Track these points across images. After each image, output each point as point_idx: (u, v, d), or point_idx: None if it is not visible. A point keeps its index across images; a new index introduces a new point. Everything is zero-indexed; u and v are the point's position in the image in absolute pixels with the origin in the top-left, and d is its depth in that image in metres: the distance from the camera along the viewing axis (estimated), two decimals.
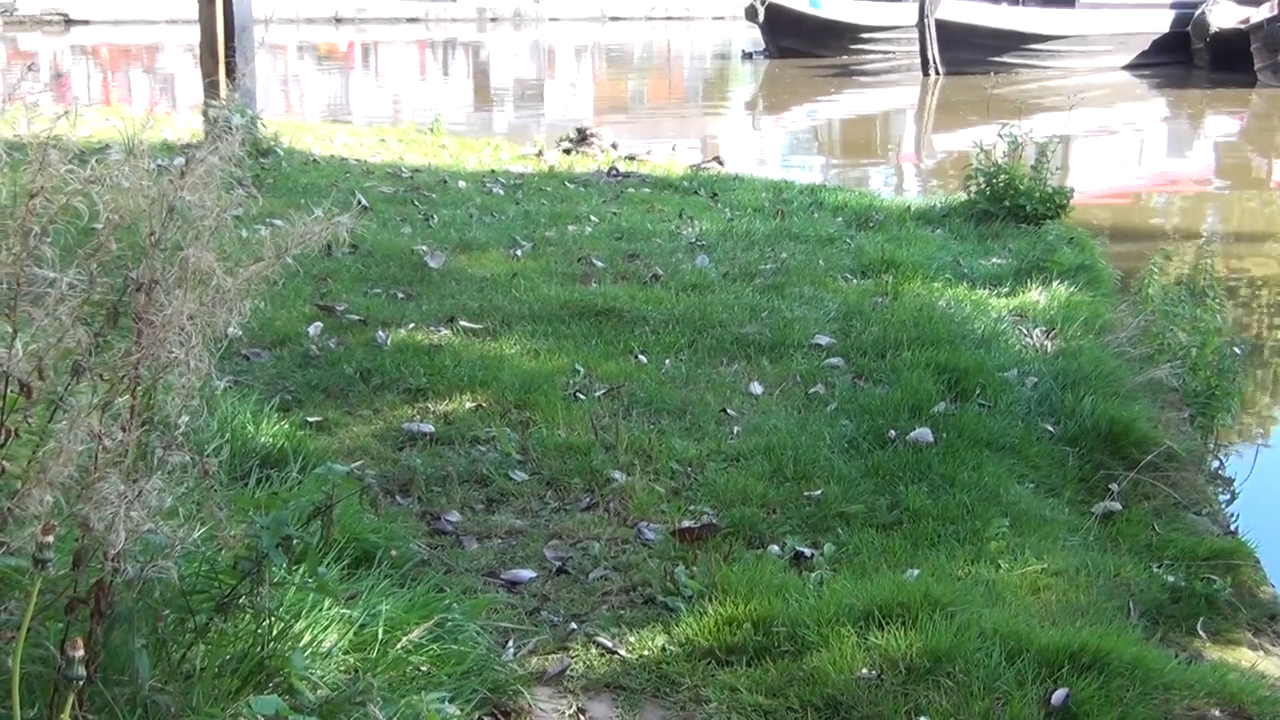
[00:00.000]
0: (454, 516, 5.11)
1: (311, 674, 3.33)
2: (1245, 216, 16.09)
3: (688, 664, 4.13)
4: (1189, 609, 4.83)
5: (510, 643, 4.20)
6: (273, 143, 13.05)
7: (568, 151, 15.39)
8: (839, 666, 4.00)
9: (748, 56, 38.93)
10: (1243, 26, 30.19)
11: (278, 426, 5.38)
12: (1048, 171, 11.13)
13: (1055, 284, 8.75)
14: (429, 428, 5.88)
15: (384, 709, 3.27)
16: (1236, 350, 7.66)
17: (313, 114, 23.73)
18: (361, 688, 3.33)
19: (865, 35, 36.40)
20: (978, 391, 6.54)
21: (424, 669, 3.65)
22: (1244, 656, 4.61)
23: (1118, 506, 5.67)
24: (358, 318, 7.35)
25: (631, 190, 12.39)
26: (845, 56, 35.53)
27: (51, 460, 2.68)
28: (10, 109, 2.90)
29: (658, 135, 20.83)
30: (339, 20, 49.87)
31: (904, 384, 6.51)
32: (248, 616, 3.27)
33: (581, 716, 3.90)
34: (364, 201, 10.42)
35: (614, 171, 13.59)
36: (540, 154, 14.92)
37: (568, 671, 4.09)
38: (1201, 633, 4.72)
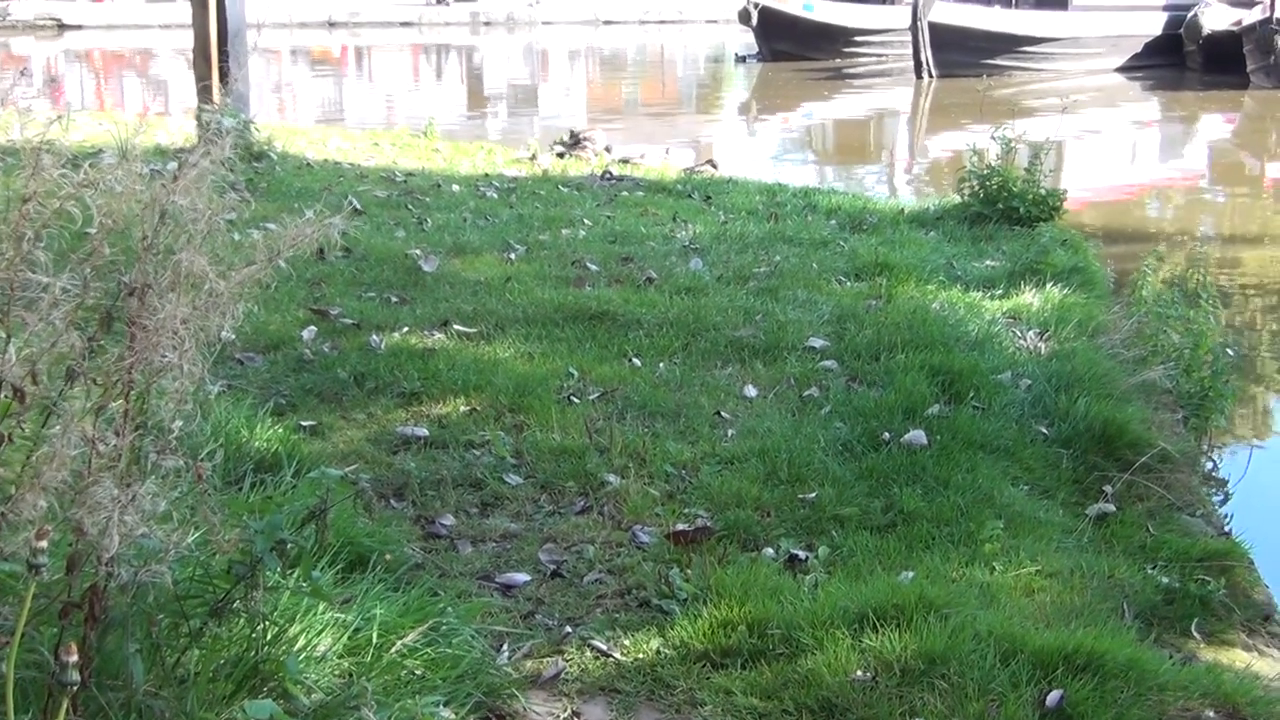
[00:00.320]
0: (448, 520, 5.11)
1: (306, 678, 3.33)
2: (1238, 218, 16.11)
3: (682, 667, 4.13)
4: (1183, 610, 4.83)
5: (505, 646, 4.20)
6: (266, 147, 13.04)
7: (561, 155, 15.38)
8: (834, 669, 4.01)
9: (741, 60, 38.95)
10: (1235, 29, 30.24)
11: (272, 431, 5.38)
12: (1041, 174, 11.12)
13: (1049, 286, 8.76)
14: (423, 431, 5.88)
15: (378, 713, 3.27)
16: (1230, 351, 7.68)
17: (306, 118, 23.72)
18: (356, 692, 3.33)
19: (858, 38, 36.40)
20: (971, 394, 6.55)
21: (418, 673, 3.65)
22: (1238, 657, 4.62)
23: (1112, 508, 5.67)
24: (351, 322, 7.34)
25: (625, 194, 12.39)
26: (838, 59, 35.53)
27: (45, 465, 2.68)
28: (3, 114, 2.90)
29: (651, 139, 20.82)
30: (332, 24, 49.84)
31: (898, 386, 6.52)
32: (242, 621, 3.26)
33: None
34: (357, 205, 10.41)
35: (608, 175, 13.59)
36: (534, 157, 14.91)
37: (562, 675, 4.09)
38: (1196, 634, 4.73)
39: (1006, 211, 10.91)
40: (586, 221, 10.62)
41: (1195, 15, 31.84)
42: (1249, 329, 10.54)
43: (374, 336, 7.04)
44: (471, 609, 4.17)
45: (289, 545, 3.23)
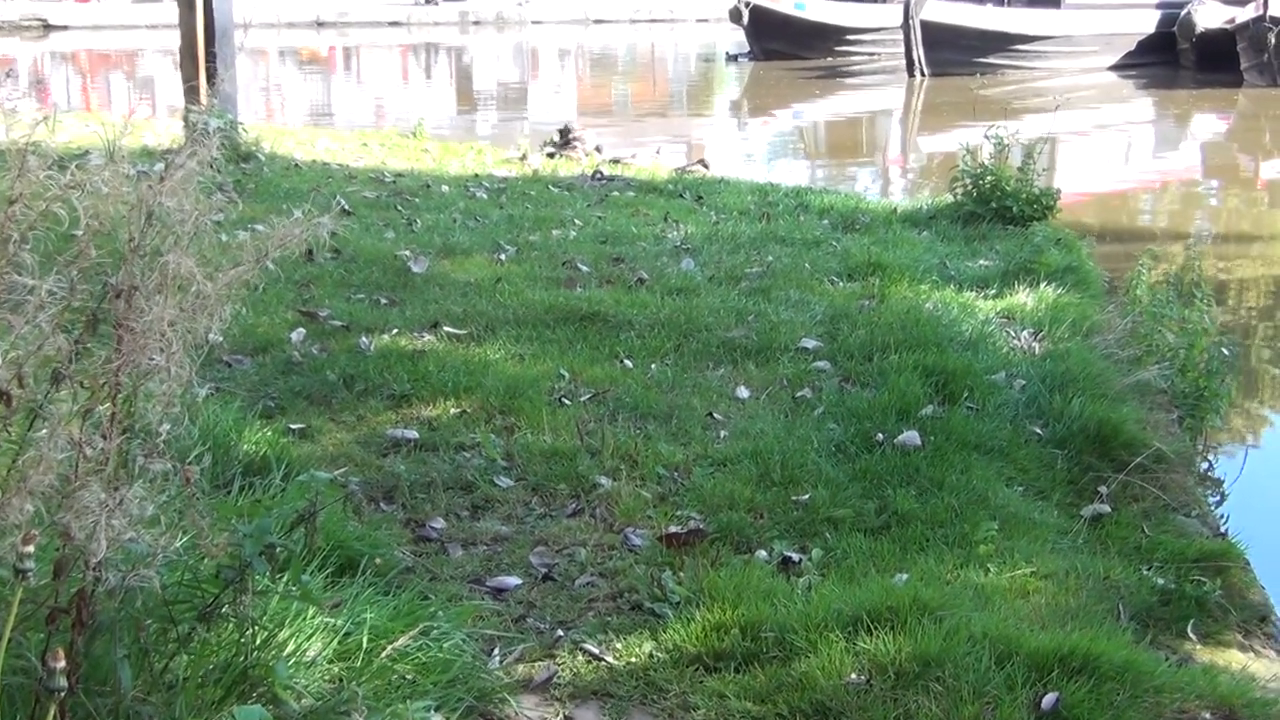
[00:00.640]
0: (439, 523, 5.11)
1: (295, 683, 3.33)
2: (1232, 216, 16.14)
3: (675, 671, 4.13)
4: (1179, 611, 4.83)
5: (496, 650, 4.20)
6: (253, 147, 13.03)
7: (552, 155, 15.38)
8: (827, 672, 4.00)
9: (732, 59, 38.94)
10: (1228, 26, 30.24)
11: (260, 434, 5.37)
12: (1034, 173, 11.13)
13: (1043, 285, 8.76)
14: (413, 434, 5.87)
15: (369, 718, 3.27)
16: (1225, 351, 7.68)
17: (294, 119, 23.70)
18: (346, 697, 3.33)
19: (850, 37, 36.41)
20: (965, 394, 6.55)
21: (409, 677, 3.64)
22: (1234, 659, 4.62)
23: (1107, 509, 5.68)
24: (340, 323, 7.34)
25: (616, 194, 12.39)
26: (830, 58, 35.54)
27: (32, 469, 2.67)
28: None
29: (642, 138, 20.83)
30: (320, 24, 49.81)
31: (891, 387, 6.51)
32: (231, 625, 3.26)
33: None
34: (346, 206, 10.41)
35: (598, 175, 13.58)
36: (524, 158, 14.91)
37: (554, 679, 4.09)
38: (1192, 635, 4.73)
39: (1000, 211, 10.91)
40: (577, 222, 10.61)
41: (1188, 13, 31.85)
42: (1244, 328, 10.55)
43: (363, 338, 7.03)
44: (462, 613, 4.17)
45: (278, 549, 3.23)
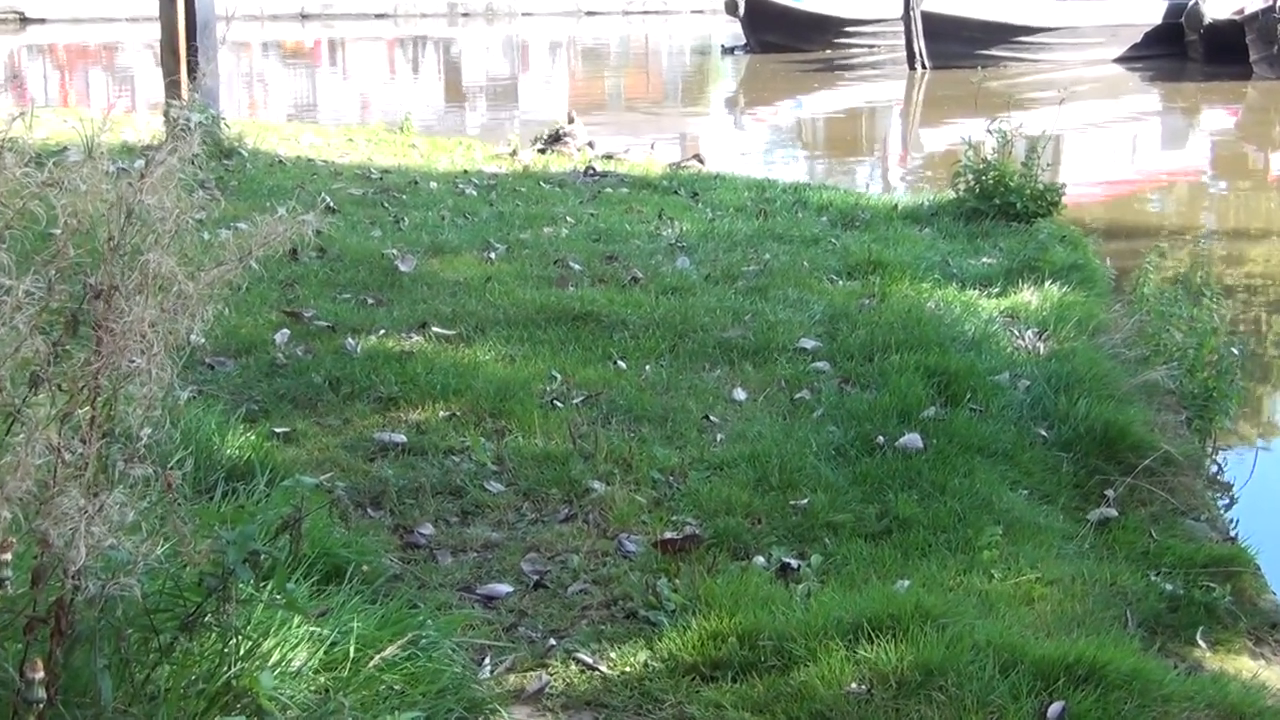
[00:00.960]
0: (427, 529, 5.11)
1: (281, 694, 3.32)
2: (1242, 212, 16.16)
3: (671, 680, 4.13)
4: (1188, 618, 4.84)
5: (487, 660, 4.20)
6: (236, 143, 13.02)
7: (543, 151, 15.38)
8: (827, 681, 4.01)
9: (728, 51, 38.93)
10: (1237, 18, 30.25)
11: (244, 438, 5.37)
12: (1038, 168, 11.13)
13: (1047, 284, 8.76)
14: (401, 438, 5.87)
15: None
16: (1234, 351, 7.68)
17: (278, 113, 23.69)
18: (333, 708, 3.33)
19: (849, 29, 36.39)
20: (968, 395, 6.55)
21: (397, 688, 3.64)
22: (1245, 666, 4.63)
23: (1114, 513, 5.69)
24: (326, 324, 7.33)
25: (609, 190, 12.39)
26: (829, 51, 35.53)
27: (8, 474, 2.67)
28: None
29: (636, 133, 20.82)
30: (305, 16, 49.78)
31: (892, 388, 6.52)
32: (214, 635, 3.25)
33: None
34: (331, 203, 10.40)
35: (591, 171, 13.58)
36: (514, 153, 14.90)
37: (547, 689, 4.09)
38: (1201, 642, 4.74)
39: (1003, 207, 10.92)
40: (569, 219, 10.61)
41: (1196, 4, 31.85)
42: (1254, 327, 10.56)
43: (350, 339, 7.03)
44: (452, 621, 4.17)
45: (262, 556, 3.22)
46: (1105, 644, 4.29)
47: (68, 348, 2.87)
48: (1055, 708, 3.94)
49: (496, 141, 16.27)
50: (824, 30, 36.17)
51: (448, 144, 16.00)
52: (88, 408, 2.86)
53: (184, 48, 12.75)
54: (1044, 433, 6.35)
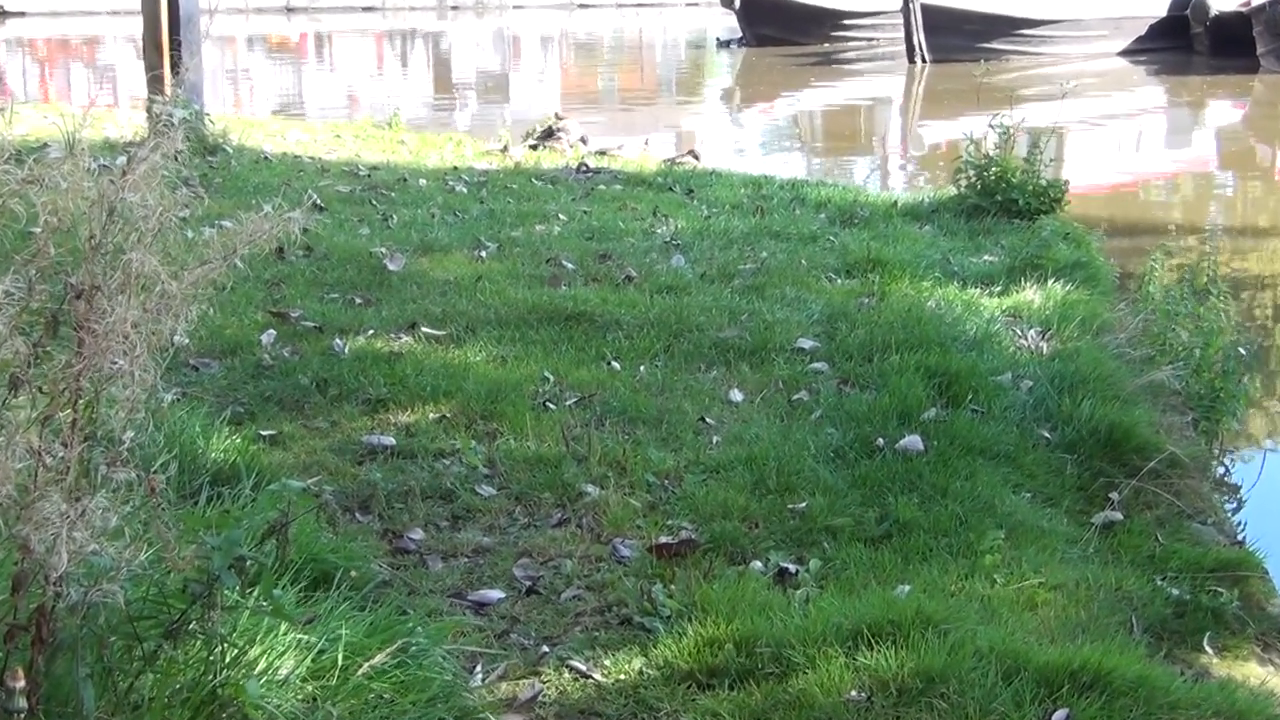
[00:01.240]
0: (417, 534, 5.10)
1: (267, 703, 3.32)
2: (1249, 209, 16.18)
3: (666, 688, 4.13)
4: (1195, 623, 4.84)
5: (478, 668, 4.20)
6: (221, 140, 13.02)
7: (534, 147, 15.38)
8: (826, 689, 4.01)
9: (724, 45, 38.97)
10: (1244, 10, 30.29)
11: (229, 441, 5.36)
12: (1041, 164, 11.14)
13: (1050, 282, 8.77)
14: (390, 440, 5.87)
15: None
16: (1242, 350, 7.70)
17: (263, 109, 23.69)
18: (321, 717, 3.32)
19: (847, 21, 36.43)
20: (970, 396, 6.55)
21: (386, 696, 3.64)
22: (1253, 673, 4.63)
23: (1119, 516, 5.69)
24: (313, 325, 7.33)
25: (602, 187, 12.40)
26: (826, 44, 35.56)
27: None
28: None
29: (630, 129, 20.83)
30: (290, 10, 49.80)
31: (892, 389, 6.52)
32: (198, 643, 3.25)
33: None
34: (318, 201, 10.39)
35: (584, 167, 13.59)
36: (505, 149, 14.90)
37: (539, 698, 4.09)
38: (1208, 648, 4.74)
39: (1005, 204, 10.92)
40: (562, 217, 10.61)
41: None
42: (1262, 326, 10.57)
43: (337, 340, 7.02)
44: (442, 628, 4.16)
45: (248, 562, 3.22)
46: (1110, 650, 4.29)
47: (48, 349, 2.87)
48: (1059, 716, 3.94)
49: (487, 137, 16.27)
50: (821, 23, 36.20)
51: (437, 140, 16.00)
52: (69, 410, 2.85)
53: (167, 41, 12.76)
54: (1047, 434, 6.36)
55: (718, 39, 40.20)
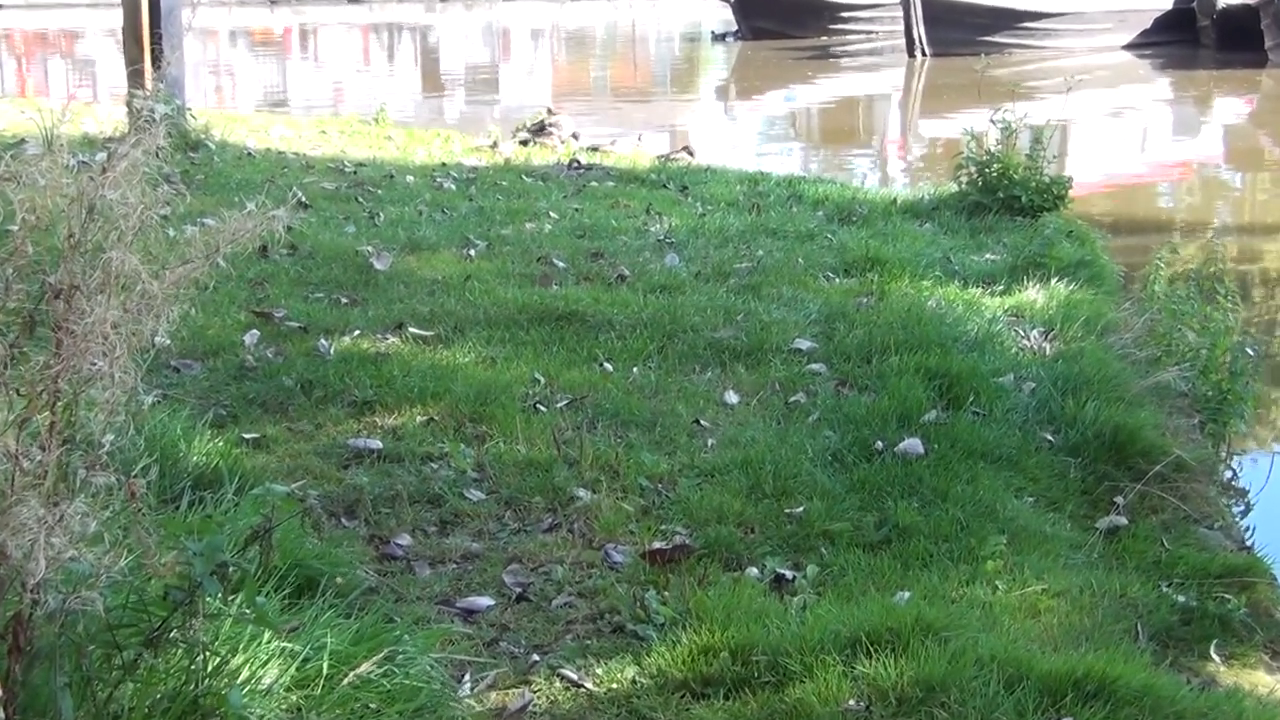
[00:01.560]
0: (404, 540, 5.10)
1: (250, 713, 3.32)
2: (1257, 206, 16.20)
3: (660, 697, 4.13)
4: (1201, 631, 4.85)
5: (467, 676, 4.19)
6: (203, 135, 13.01)
7: (525, 143, 15.39)
8: (824, 698, 4.01)
9: (719, 38, 38.98)
10: (1252, 2, 30.31)
11: (211, 444, 5.36)
12: (1044, 160, 11.14)
13: (1053, 281, 8.77)
14: (376, 444, 5.87)
15: None
16: (1250, 351, 7.70)
17: (247, 104, 23.68)
18: None
19: (845, 14, 36.46)
20: (971, 398, 6.56)
21: (373, 706, 3.64)
22: (1261, 681, 4.63)
23: (1124, 521, 5.69)
24: (298, 325, 7.32)
25: (594, 184, 12.40)
26: (824, 37, 35.59)
27: None
28: None
29: (622, 124, 20.85)
30: (274, 2, 49.74)
31: (891, 391, 6.52)
32: (180, 651, 3.25)
33: None
34: (303, 198, 10.39)
35: (575, 164, 13.59)
36: (495, 145, 14.91)
37: (530, 707, 4.09)
38: (1215, 656, 4.74)
39: (1007, 201, 10.93)
40: (553, 214, 10.62)
41: None
42: (1270, 326, 10.58)
43: (322, 341, 7.02)
44: (430, 636, 4.16)
45: (231, 568, 3.22)
46: (1115, 658, 4.30)
47: (25, 350, 2.87)
48: None
49: (476, 133, 16.29)
50: (819, 16, 36.22)
51: (425, 136, 16.00)
52: (47, 413, 2.85)
53: (148, 35, 12.73)
54: (1050, 437, 6.36)
55: (712, 32, 40.22)
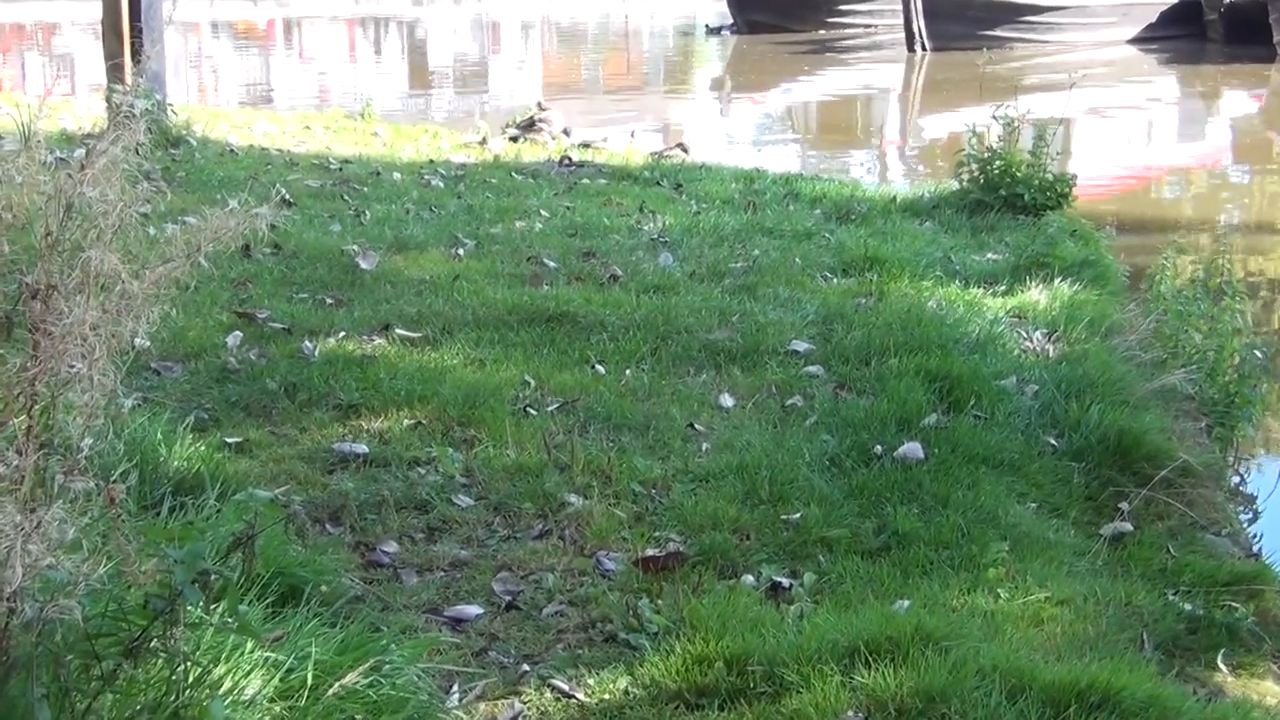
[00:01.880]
0: (391, 547, 5.10)
1: None
2: (1265, 204, 16.21)
3: (653, 708, 4.12)
4: (1208, 640, 4.85)
5: (455, 687, 4.19)
6: (184, 131, 13.02)
7: (515, 139, 15.40)
8: (822, 709, 4.01)
9: (714, 32, 39.04)
10: None
11: (192, 448, 5.35)
12: (1047, 157, 11.16)
13: (1057, 281, 8.78)
14: (362, 448, 5.86)
15: None
16: (1258, 353, 7.70)
17: (229, 99, 23.70)
18: None
19: (844, 8, 36.50)
20: (972, 401, 6.56)
21: (358, 717, 3.64)
22: (1269, 691, 4.64)
23: (1129, 527, 5.69)
24: (281, 326, 7.32)
25: (586, 181, 12.40)
26: (822, 31, 35.62)
27: None
28: None
29: (615, 120, 20.86)
30: None
31: (891, 394, 6.52)
32: (160, 661, 3.25)
33: None
34: (287, 196, 10.39)
35: (566, 161, 13.60)
36: (484, 142, 14.92)
37: (519, 718, 4.08)
38: (1222, 666, 4.75)
39: (1009, 199, 10.94)
40: (543, 212, 10.62)
41: None
42: (1279, 328, 10.59)
43: (307, 342, 7.02)
44: (417, 646, 4.16)
45: (213, 576, 3.22)
46: (1119, 668, 4.30)
47: (2, 352, 2.87)
48: None
49: (465, 129, 16.29)
50: (816, 9, 36.27)
51: (412, 132, 16.02)
52: (24, 416, 2.85)
53: (127, 28, 12.73)
54: (1053, 441, 6.36)
55: (707, 26, 40.30)
